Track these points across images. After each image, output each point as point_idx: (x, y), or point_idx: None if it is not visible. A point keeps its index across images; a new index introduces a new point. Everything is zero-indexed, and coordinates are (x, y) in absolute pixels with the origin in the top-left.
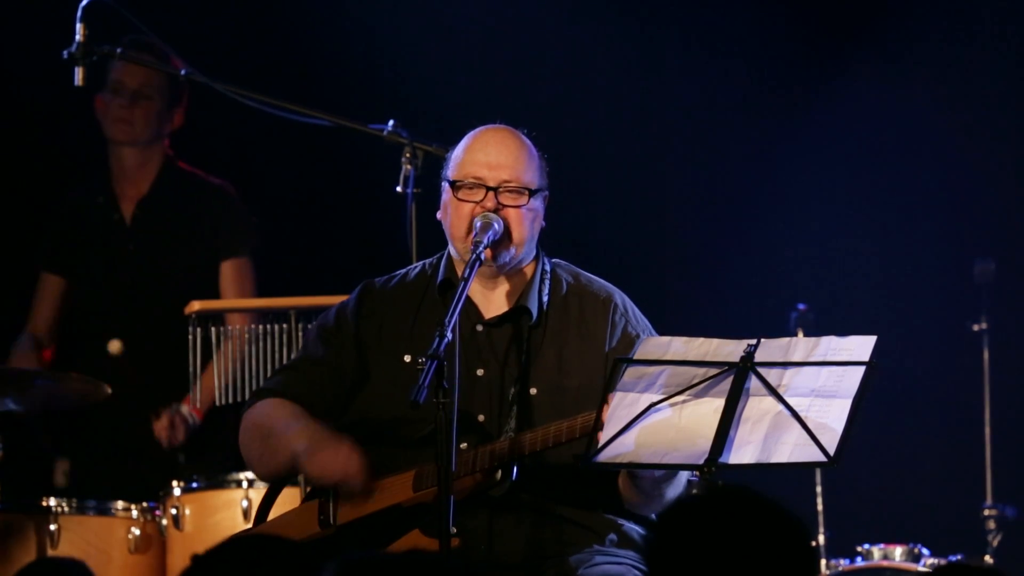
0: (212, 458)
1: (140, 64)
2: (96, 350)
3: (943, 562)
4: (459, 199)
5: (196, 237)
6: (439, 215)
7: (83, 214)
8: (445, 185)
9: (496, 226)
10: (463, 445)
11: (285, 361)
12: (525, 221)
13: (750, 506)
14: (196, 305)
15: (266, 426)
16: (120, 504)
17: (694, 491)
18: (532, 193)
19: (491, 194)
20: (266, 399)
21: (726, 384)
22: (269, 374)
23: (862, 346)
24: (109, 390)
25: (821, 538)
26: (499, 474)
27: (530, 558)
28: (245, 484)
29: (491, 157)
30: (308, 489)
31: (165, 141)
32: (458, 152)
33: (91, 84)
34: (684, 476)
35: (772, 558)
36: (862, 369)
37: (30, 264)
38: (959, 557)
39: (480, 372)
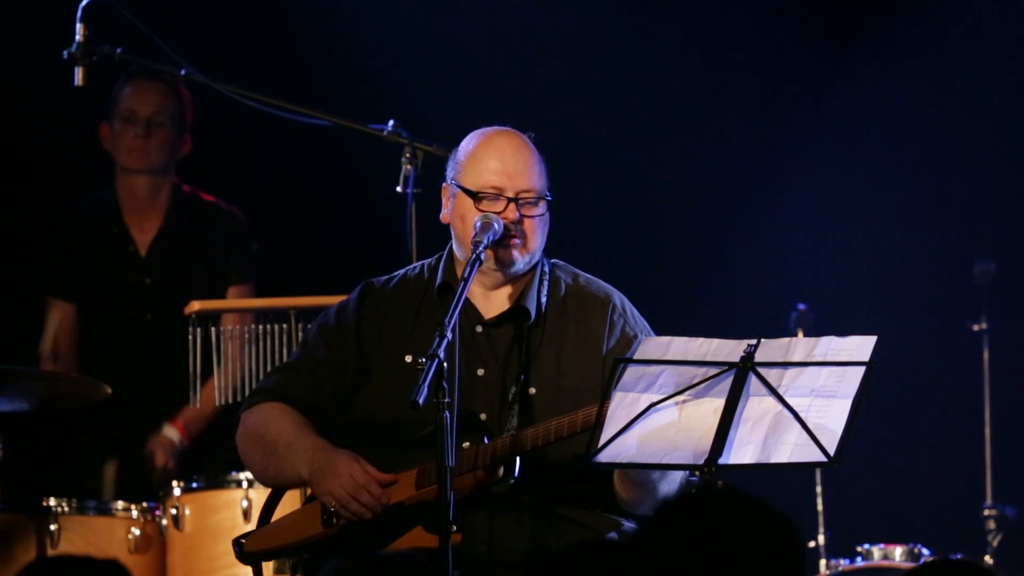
0: (212, 458)
1: (137, 62)
2: (104, 372)
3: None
4: (480, 210)
5: (210, 265)
6: (445, 217)
7: (94, 242)
8: (455, 189)
9: (496, 226)
10: (465, 444)
11: (253, 363)
12: (541, 230)
13: (738, 506)
14: (196, 305)
15: (267, 440)
16: (120, 504)
17: (692, 490)
18: (545, 200)
19: (512, 205)
20: (265, 403)
21: (726, 384)
22: (234, 376)
23: (862, 346)
24: (109, 390)
25: (821, 538)
26: (501, 471)
27: (530, 557)
28: (245, 484)
29: (508, 166)
30: (309, 491)
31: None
32: (470, 158)
33: (90, 84)
34: (679, 473)
35: (760, 558)
36: (862, 369)
37: (29, 281)
38: (959, 557)
39: (480, 372)
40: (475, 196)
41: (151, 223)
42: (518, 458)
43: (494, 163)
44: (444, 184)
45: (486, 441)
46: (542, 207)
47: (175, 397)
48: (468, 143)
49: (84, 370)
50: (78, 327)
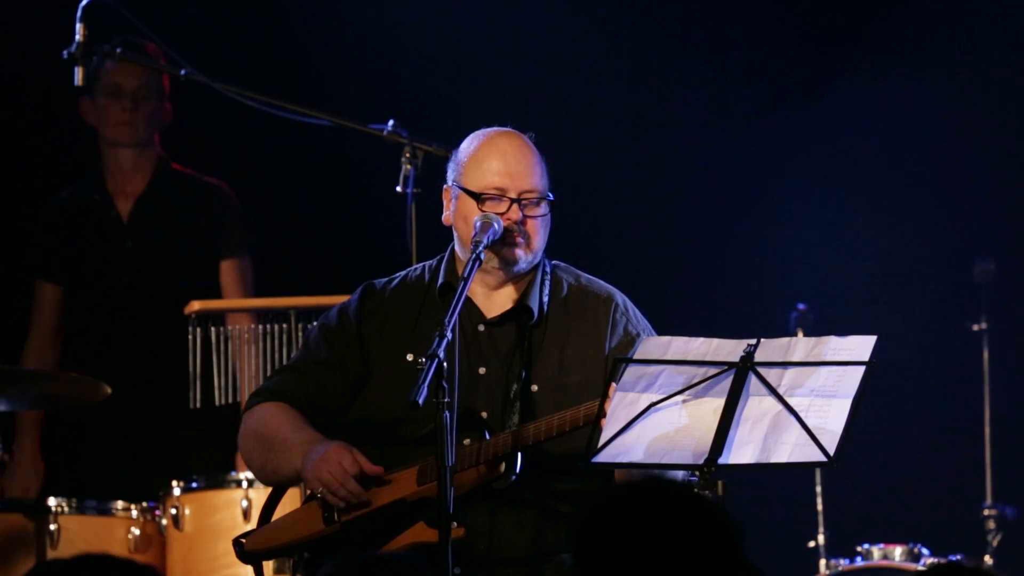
0: (212, 457)
1: (138, 64)
2: (96, 349)
3: (941, 561)
4: (483, 211)
5: (195, 235)
6: (447, 219)
7: (76, 212)
8: (457, 191)
9: (496, 226)
10: (466, 441)
11: (285, 361)
12: (544, 229)
13: (671, 497)
14: (196, 305)
15: (266, 436)
16: (120, 504)
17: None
18: (547, 200)
19: (515, 206)
20: (265, 402)
21: (726, 384)
22: (269, 374)
23: (862, 346)
24: (109, 390)
25: (821, 538)
26: (502, 467)
27: (531, 555)
28: (245, 484)
29: (511, 167)
30: (309, 491)
31: (157, 139)
32: (472, 159)
33: (88, 83)
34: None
35: (693, 547)
36: (862, 369)
37: (24, 268)
38: (959, 557)
39: (482, 371)
40: (477, 197)
41: (133, 189)
42: (519, 454)
43: (496, 164)
44: (445, 186)
45: (487, 437)
46: (544, 207)
47: (162, 376)
48: (469, 144)
49: (71, 347)
50: (63, 309)
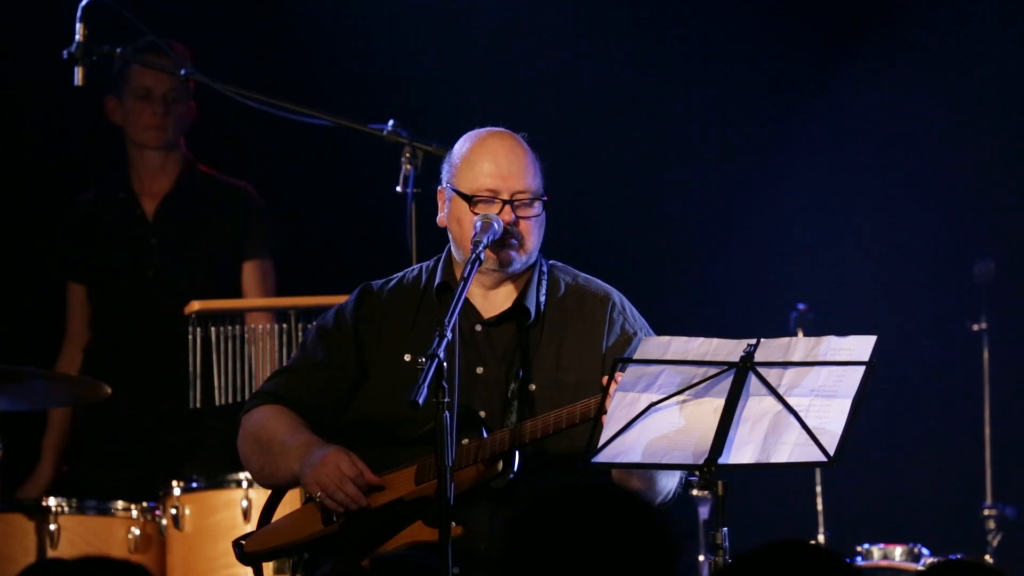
0: (212, 457)
1: (141, 64)
2: (116, 345)
3: (941, 560)
4: (476, 213)
5: (219, 236)
6: (442, 221)
7: (101, 211)
8: (451, 193)
9: (496, 226)
10: (464, 441)
11: (285, 361)
12: (538, 230)
13: (602, 499)
14: (196, 305)
15: (264, 440)
16: (120, 504)
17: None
18: (540, 200)
19: (508, 207)
20: (264, 405)
21: (726, 384)
22: (268, 374)
23: (862, 346)
24: (109, 390)
25: (821, 538)
26: (500, 465)
27: None
28: (245, 484)
29: (503, 168)
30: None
31: (182, 140)
32: (464, 161)
33: (91, 83)
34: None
35: (629, 548)
36: (862, 369)
37: (42, 269)
38: (959, 557)
39: (480, 370)
40: (470, 200)
41: (160, 189)
42: (516, 453)
43: (488, 166)
44: (440, 188)
45: (485, 435)
46: (537, 207)
47: (180, 374)
48: (461, 146)
49: (94, 345)
50: (93, 308)
